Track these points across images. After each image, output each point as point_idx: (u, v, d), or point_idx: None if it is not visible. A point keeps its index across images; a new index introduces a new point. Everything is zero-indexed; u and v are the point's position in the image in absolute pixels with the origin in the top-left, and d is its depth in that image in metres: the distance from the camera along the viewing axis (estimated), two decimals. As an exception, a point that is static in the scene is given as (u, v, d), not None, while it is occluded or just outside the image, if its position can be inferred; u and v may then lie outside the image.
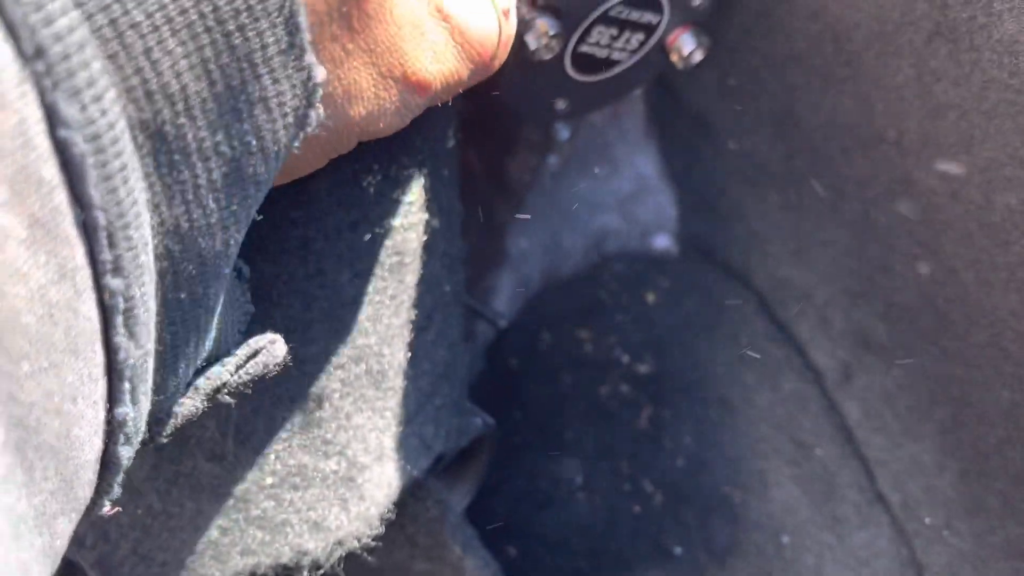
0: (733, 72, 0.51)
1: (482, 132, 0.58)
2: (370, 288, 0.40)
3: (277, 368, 0.32)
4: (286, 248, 0.38)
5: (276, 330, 0.39)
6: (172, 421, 0.28)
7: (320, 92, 0.25)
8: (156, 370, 0.26)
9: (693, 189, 0.59)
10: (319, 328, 0.39)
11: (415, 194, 0.41)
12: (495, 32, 0.33)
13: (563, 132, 0.61)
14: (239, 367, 0.31)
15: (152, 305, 0.23)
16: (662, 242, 0.62)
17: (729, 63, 0.51)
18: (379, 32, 0.29)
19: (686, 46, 0.46)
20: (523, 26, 0.40)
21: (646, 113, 0.60)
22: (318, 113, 0.26)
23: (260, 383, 0.39)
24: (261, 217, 0.28)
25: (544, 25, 0.40)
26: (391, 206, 0.40)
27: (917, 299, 0.43)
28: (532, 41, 0.40)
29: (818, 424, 0.50)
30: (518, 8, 0.41)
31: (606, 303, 0.59)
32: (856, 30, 0.40)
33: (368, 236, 0.40)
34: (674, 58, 0.47)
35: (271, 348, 0.32)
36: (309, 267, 0.38)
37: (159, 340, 0.25)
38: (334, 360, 0.40)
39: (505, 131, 0.60)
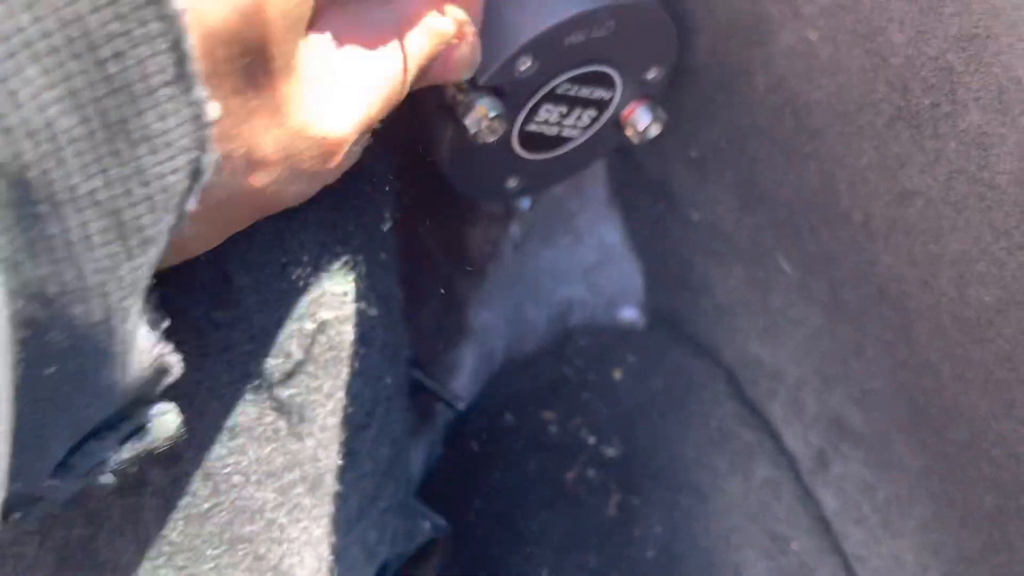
0: (694, 143, 0.49)
1: (439, 204, 0.56)
2: (303, 388, 0.38)
3: (168, 443, 0.28)
4: (207, 352, 0.35)
5: (199, 441, 0.36)
6: (37, 505, 0.25)
7: (212, 132, 0.22)
8: (16, 453, 0.22)
9: (659, 259, 0.57)
10: (246, 436, 0.37)
11: (349, 284, 0.38)
12: (397, 71, 0.30)
13: (524, 202, 0.59)
14: (121, 442, 0.27)
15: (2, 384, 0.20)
16: (629, 314, 0.59)
17: (690, 134, 0.49)
18: (288, 90, 0.26)
19: (641, 121, 0.44)
20: (462, 109, 0.38)
21: (608, 181, 0.58)
22: (213, 159, 0.23)
23: (183, 498, 0.36)
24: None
25: (483, 108, 0.38)
26: (324, 300, 0.38)
27: (892, 387, 0.41)
28: (472, 124, 0.38)
29: (793, 514, 0.47)
30: (453, 90, 0.38)
31: (571, 380, 0.57)
32: (816, 107, 0.38)
33: (298, 334, 0.37)
34: (629, 132, 0.44)
35: (160, 422, 0.28)
36: (234, 372, 0.36)
37: (20, 419, 0.22)
38: (264, 469, 0.37)
39: (463, 202, 0.58)
